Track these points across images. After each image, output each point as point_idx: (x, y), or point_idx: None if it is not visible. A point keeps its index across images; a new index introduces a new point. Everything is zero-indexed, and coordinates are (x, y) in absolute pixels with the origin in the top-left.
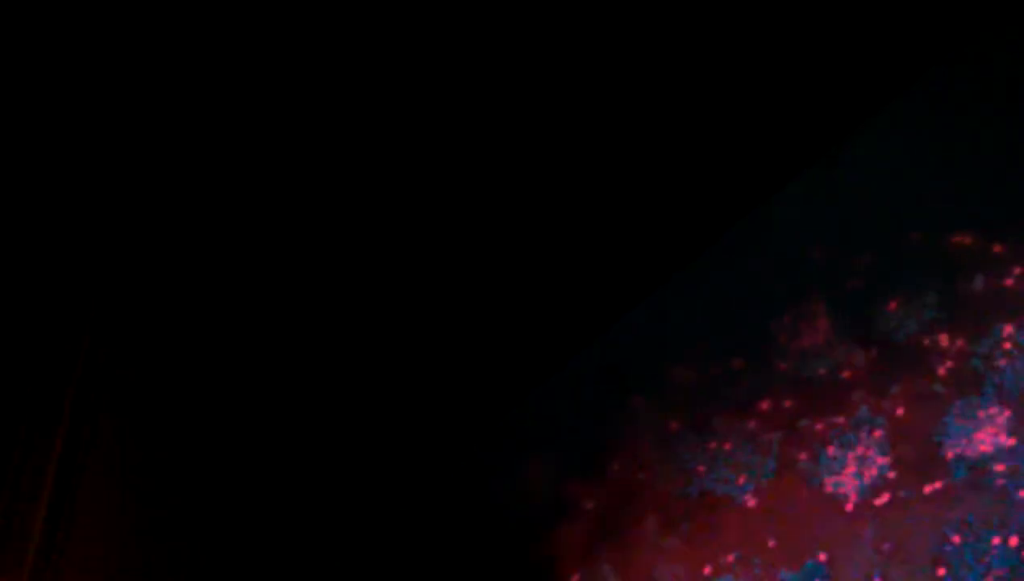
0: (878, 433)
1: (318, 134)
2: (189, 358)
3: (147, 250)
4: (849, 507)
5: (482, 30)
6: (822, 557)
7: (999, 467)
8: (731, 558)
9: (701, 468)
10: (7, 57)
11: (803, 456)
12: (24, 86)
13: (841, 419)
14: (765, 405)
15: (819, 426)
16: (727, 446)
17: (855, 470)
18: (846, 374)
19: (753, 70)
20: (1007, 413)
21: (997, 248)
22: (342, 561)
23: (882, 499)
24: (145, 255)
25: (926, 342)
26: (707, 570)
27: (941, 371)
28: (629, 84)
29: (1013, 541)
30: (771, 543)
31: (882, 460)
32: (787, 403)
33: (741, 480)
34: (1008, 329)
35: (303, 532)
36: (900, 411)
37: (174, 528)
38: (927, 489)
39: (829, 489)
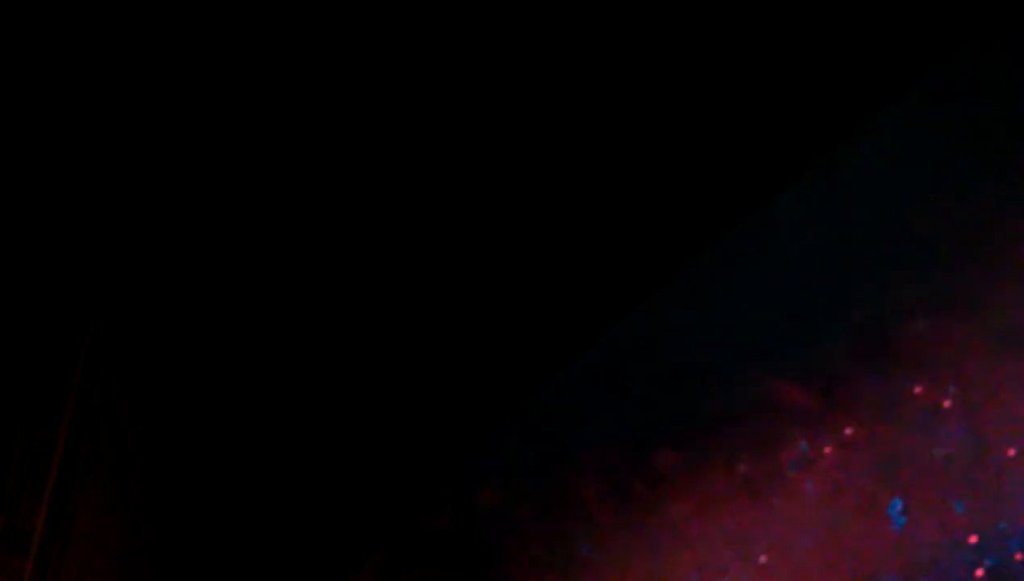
0: (881, 447)
1: (318, 133)
2: (192, 358)
3: (149, 249)
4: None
5: (479, 29)
6: None
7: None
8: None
9: (686, 482)
10: (7, 57)
11: (802, 463)
12: (24, 85)
13: (844, 427)
14: (765, 411)
15: (822, 435)
16: (723, 456)
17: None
18: (847, 380)
19: (753, 70)
20: None
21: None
22: (342, 561)
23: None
24: (147, 254)
25: (928, 345)
26: None
27: (954, 380)
28: (628, 85)
29: None
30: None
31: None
32: (790, 409)
33: (735, 494)
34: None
35: (304, 533)
36: (898, 423)
37: (176, 528)
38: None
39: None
